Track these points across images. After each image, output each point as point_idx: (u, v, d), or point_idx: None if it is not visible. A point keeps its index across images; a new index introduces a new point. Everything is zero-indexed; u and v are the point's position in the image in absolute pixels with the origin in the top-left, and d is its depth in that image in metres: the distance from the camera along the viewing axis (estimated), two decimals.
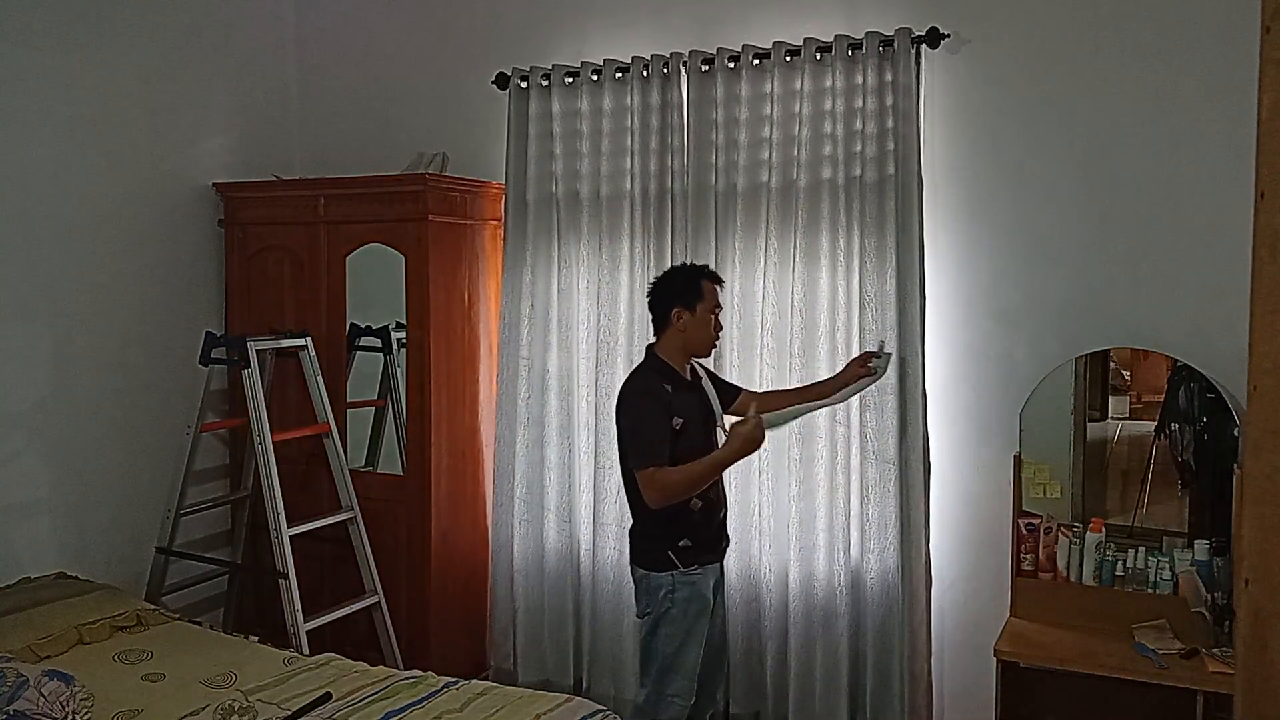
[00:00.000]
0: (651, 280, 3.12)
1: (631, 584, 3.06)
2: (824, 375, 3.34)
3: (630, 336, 3.64)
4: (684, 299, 2.97)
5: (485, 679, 3.73)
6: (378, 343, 3.93)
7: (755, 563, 3.51)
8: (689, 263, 3.22)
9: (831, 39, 3.30)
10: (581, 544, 3.76)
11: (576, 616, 3.78)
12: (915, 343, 3.27)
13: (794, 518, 3.44)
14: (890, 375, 3.21)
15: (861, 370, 3.10)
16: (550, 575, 3.80)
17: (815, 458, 3.42)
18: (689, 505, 2.90)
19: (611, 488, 3.64)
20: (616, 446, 3.02)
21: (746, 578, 3.51)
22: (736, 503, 3.45)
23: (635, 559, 3.00)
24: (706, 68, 3.47)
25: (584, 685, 3.74)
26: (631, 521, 3.03)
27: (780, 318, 3.44)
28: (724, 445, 2.89)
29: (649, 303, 3.04)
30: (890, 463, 3.29)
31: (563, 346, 3.76)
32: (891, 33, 3.23)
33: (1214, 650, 2.86)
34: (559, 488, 3.78)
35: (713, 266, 3.44)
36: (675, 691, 2.92)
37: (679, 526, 2.91)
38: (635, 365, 3.14)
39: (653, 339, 3.05)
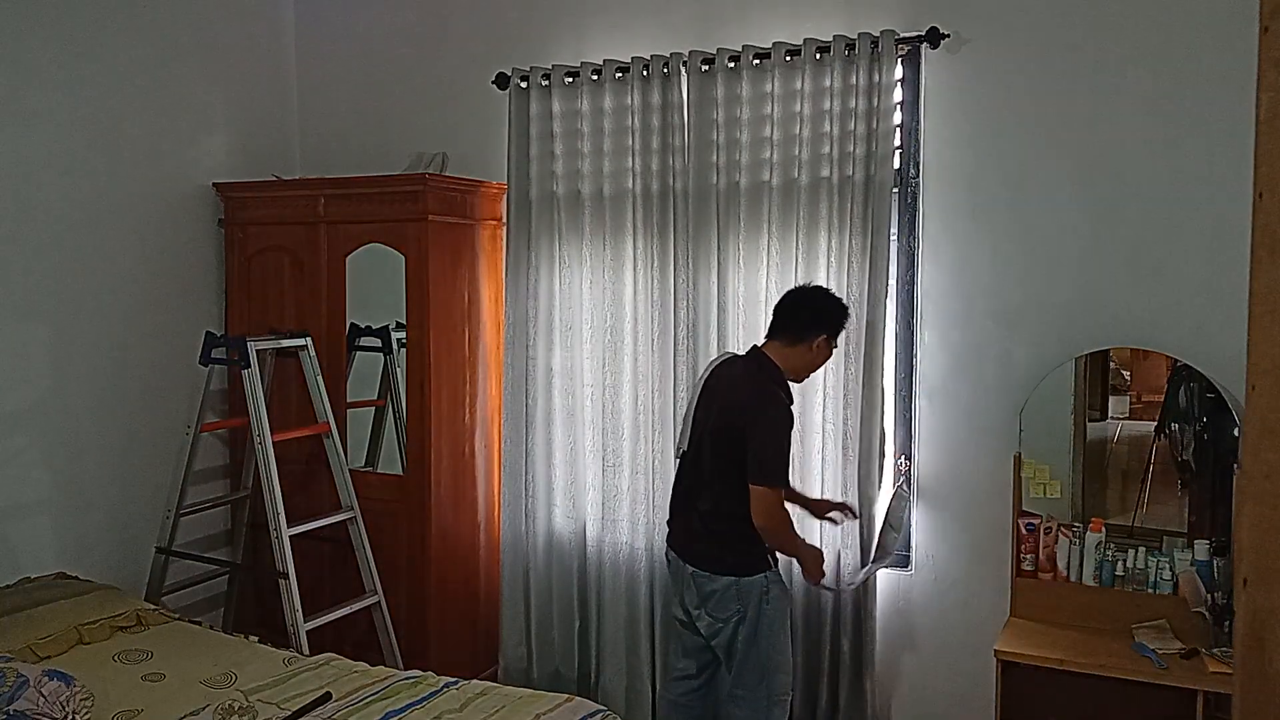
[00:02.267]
0: (801, 289, 3.10)
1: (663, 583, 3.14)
2: (819, 373, 3.32)
3: (635, 335, 3.65)
4: (832, 329, 3.00)
5: (492, 677, 3.75)
6: (378, 343, 3.93)
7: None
8: (833, 291, 3.13)
9: (830, 39, 3.30)
10: (589, 541, 3.76)
11: (584, 613, 3.80)
12: (879, 342, 3.28)
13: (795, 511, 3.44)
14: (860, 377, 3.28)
15: (842, 516, 3.22)
16: (559, 573, 3.81)
17: (811, 451, 3.43)
18: None
19: (620, 484, 3.67)
20: (721, 444, 2.91)
21: None
22: None
23: (720, 567, 2.92)
24: (706, 67, 3.46)
25: (596, 681, 3.76)
26: (708, 529, 2.95)
27: None
28: (809, 547, 3.09)
29: (792, 311, 3.00)
30: (853, 459, 3.34)
31: (565, 345, 3.76)
32: (884, 34, 3.23)
33: (1214, 650, 2.87)
34: (564, 485, 3.79)
35: (716, 265, 3.48)
36: (784, 690, 2.97)
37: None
38: (749, 361, 3.02)
39: (763, 342, 3.03)
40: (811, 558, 3.06)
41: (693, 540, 3.00)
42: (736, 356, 3.11)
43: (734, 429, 2.87)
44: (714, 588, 2.91)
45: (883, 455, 3.33)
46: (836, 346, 3.07)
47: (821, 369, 3.15)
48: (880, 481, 3.33)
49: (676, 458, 3.14)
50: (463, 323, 3.86)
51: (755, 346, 3.05)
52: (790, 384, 2.99)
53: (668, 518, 3.14)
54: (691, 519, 3.00)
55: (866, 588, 3.36)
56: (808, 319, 2.97)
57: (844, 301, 3.06)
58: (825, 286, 3.15)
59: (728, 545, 2.92)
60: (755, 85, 3.42)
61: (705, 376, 3.09)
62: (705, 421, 2.99)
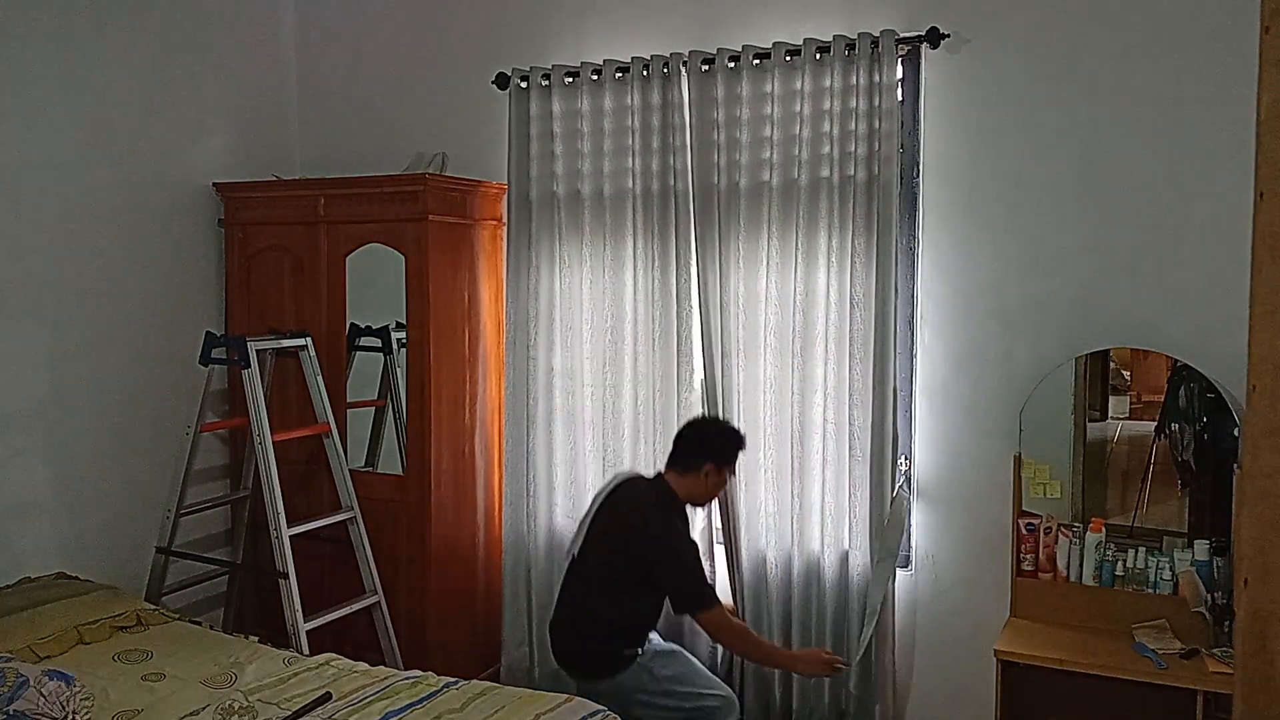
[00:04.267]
0: (694, 420, 3.34)
1: None
2: (821, 373, 3.39)
3: (635, 336, 3.65)
4: (722, 458, 3.18)
5: (493, 677, 3.74)
6: (378, 343, 3.93)
7: (760, 556, 3.52)
8: (729, 423, 3.34)
9: (830, 39, 3.30)
10: None
11: None
12: (890, 341, 3.27)
13: (797, 512, 3.46)
14: (869, 377, 3.28)
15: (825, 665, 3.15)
16: (561, 573, 3.77)
17: (811, 451, 3.43)
18: (652, 617, 3.14)
19: None
20: (608, 556, 3.09)
21: (756, 572, 3.52)
22: (744, 499, 3.49)
23: (596, 671, 3.08)
24: (707, 68, 3.46)
25: None
26: (581, 630, 3.13)
27: (783, 317, 3.44)
28: (794, 655, 3.23)
29: (684, 438, 3.21)
30: (861, 459, 3.34)
31: (566, 345, 3.76)
32: (884, 34, 3.23)
33: (1214, 650, 2.87)
34: (565, 485, 3.79)
35: (717, 265, 3.49)
36: (714, 703, 3.07)
37: (639, 635, 3.12)
38: (652, 487, 3.20)
39: (664, 469, 3.20)
40: (803, 659, 3.17)
41: (568, 644, 3.18)
42: (641, 477, 3.27)
43: (626, 548, 3.06)
44: (600, 690, 3.03)
45: (894, 456, 3.33)
46: (734, 474, 3.27)
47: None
48: (893, 482, 3.33)
49: (566, 560, 3.26)
50: (463, 323, 3.86)
51: (659, 473, 3.23)
52: (694, 506, 3.22)
53: (550, 624, 3.29)
54: (570, 621, 3.19)
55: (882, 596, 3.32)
56: (695, 449, 3.17)
57: (738, 432, 3.25)
58: (721, 418, 3.37)
59: (599, 645, 3.10)
60: (755, 85, 3.42)
61: (609, 490, 3.22)
62: (599, 533, 3.14)
